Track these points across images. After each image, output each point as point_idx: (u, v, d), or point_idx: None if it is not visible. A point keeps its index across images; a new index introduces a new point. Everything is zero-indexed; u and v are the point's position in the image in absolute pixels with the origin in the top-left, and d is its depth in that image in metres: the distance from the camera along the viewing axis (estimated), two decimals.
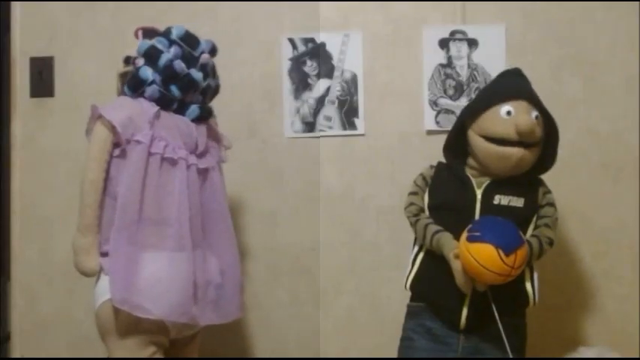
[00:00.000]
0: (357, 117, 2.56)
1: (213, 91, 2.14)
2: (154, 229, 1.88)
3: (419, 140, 2.50)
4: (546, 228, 1.92)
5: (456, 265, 1.80)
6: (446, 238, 1.87)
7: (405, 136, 2.54)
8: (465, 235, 1.79)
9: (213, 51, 2.11)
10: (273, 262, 2.58)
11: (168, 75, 1.95)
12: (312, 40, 2.57)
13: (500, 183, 1.91)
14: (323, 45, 2.57)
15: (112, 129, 1.88)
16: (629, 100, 2.49)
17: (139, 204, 1.87)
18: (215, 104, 2.58)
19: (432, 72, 2.53)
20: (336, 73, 2.57)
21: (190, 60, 2.01)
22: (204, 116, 2.07)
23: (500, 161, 1.88)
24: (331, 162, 2.57)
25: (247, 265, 2.58)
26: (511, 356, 1.83)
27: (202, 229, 1.99)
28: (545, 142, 1.95)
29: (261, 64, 2.59)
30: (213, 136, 2.15)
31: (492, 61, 2.50)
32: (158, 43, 1.99)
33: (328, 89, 2.57)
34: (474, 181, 1.93)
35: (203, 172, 2.03)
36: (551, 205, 1.98)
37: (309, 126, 2.57)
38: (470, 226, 1.80)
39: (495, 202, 1.88)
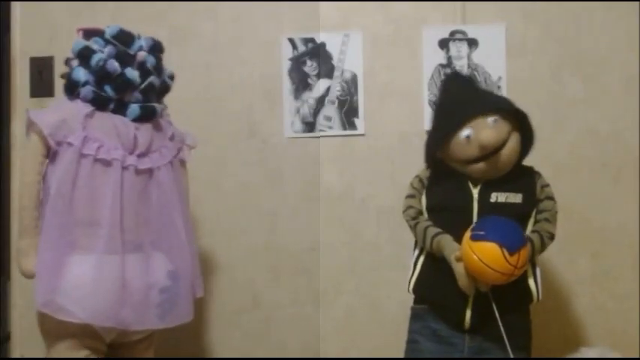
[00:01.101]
0: (357, 117, 2.56)
1: (159, 89, 2.07)
2: (85, 231, 1.86)
3: (419, 140, 2.48)
4: (546, 222, 1.92)
5: (459, 268, 1.80)
6: (446, 240, 1.86)
7: (405, 136, 2.54)
8: (468, 234, 1.78)
9: (155, 48, 2.05)
10: (273, 262, 2.58)
11: (102, 75, 1.93)
12: (312, 40, 2.57)
13: (496, 180, 1.90)
14: (323, 45, 2.57)
15: (40, 133, 1.88)
16: (629, 100, 2.49)
17: (69, 206, 1.86)
18: (215, 104, 2.60)
19: (432, 72, 2.53)
20: (336, 73, 2.57)
21: (126, 59, 1.97)
22: (147, 116, 2.01)
23: (483, 173, 1.89)
24: (331, 162, 2.57)
25: (247, 265, 2.58)
26: (511, 354, 1.83)
27: (147, 231, 1.95)
28: (519, 130, 1.92)
29: (261, 64, 2.59)
30: (165, 134, 2.08)
31: (492, 61, 2.51)
32: (94, 43, 1.97)
33: (328, 89, 2.57)
34: (469, 180, 1.92)
35: (146, 173, 1.98)
36: (551, 198, 1.97)
37: (309, 126, 2.57)
38: (473, 225, 1.80)
39: (492, 199, 1.88)
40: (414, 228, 1.96)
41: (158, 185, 2.00)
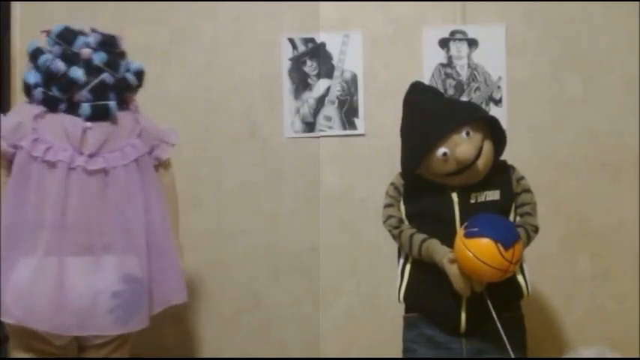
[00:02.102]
0: (357, 117, 2.56)
1: (116, 86, 1.98)
2: (32, 233, 1.85)
3: None
4: (529, 216, 1.92)
5: (453, 270, 1.79)
6: (435, 244, 1.85)
7: None
8: (461, 232, 1.78)
9: (106, 43, 1.99)
10: (273, 262, 2.58)
11: (48, 76, 1.91)
12: (312, 40, 2.57)
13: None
14: (323, 45, 2.57)
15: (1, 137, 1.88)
16: (629, 100, 2.49)
17: (21, 209, 1.85)
18: (215, 104, 2.60)
19: (432, 72, 2.53)
20: (336, 73, 2.57)
21: (72, 57, 1.93)
22: (99, 115, 1.94)
23: (460, 183, 1.89)
24: (331, 162, 2.57)
25: (247, 265, 2.58)
26: (511, 352, 1.82)
27: (101, 233, 1.89)
28: (489, 130, 1.90)
29: (261, 64, 2.59)
30: (130, 132, 2.01)
31: (492, 61, 2.51)
32: (47, 44, 1.96)
33: (328, 89, 2.57)
34: (447, 184, 1.91)
35: (100, 173, 1.92)
36: (528, 191, 1.95)
37: (309, 126, 2.57)
38: (466, 223, 1.80)
39: (472, 200, 1.88)
40: (398, 237, 1.94)
41: (115, 185, 1.93)
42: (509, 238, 1.73)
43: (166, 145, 2.08)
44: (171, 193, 2.10)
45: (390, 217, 1.97)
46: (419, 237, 1.88)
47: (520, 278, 1.91)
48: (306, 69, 2.58)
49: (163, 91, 2.60)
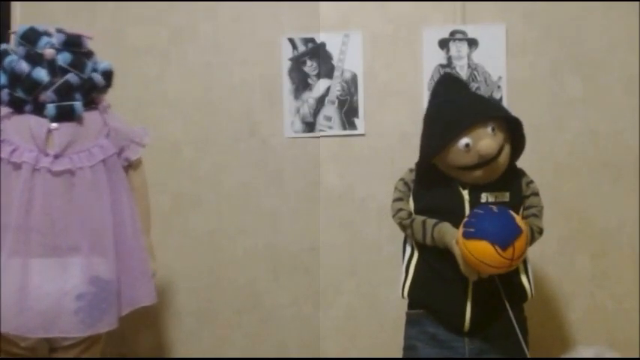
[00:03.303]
0: (357, 117, 2.56)
1: (82, 86, 1.97)
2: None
3: (419, 140, 2.49)
4: (535, 218, 1.92)
5: (458, 251, 1.78)
6: (447, 227, 1.84)
7: (405, 136, 2.53)
8: (461, 230, 1.78)
9: (69, 44, 1.97)
10: (273, 262, 2.58)
11: (13, 77, 1.91)
12: (312, 40, 2.57)
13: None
14: (323, 45, 2.57)
15: None
16: (629, 100, 2.49)
17: None
18: (215, 104, 2.60)
19: (432, 72, 2.53)
20: (336, 73, 2.57)
21: (36, 58, 1.93)
22: (64, 115, 1.93)
23: (474, 180, 1.88)
24: (331, 162, 2.57)
25: (247, 265, 2.58)
26: (523, 343, 1.83)
27: (67, 234, 1.88)
28: (513, 132, 1.91)
29: (261, 64, 2.59)
30: (98, 132, 2.00)
31: (492, 61, 2.51)
32: (14, 45, 1.95)
33: (328, 89, 2.57)
34: (457, 182, 1.91)
35: (66, 174, 1.92)
36: (536, 194, 1.97)
37: (309, 126, 2.57)
38: (465, 220, 1.79)
39: (483, 200, 1.87)
40: (410, 225, 1.92)
41: (82, 187, 1.92)
42: (506, 237, 1.72)
43: (136, 145, 2.07)
44: (142, 194, 2.09)
45: (400, 210, 1.97)
46: (431, 221, 1.88)
47: (525, 280, 1.91)
48: (306, 69, 2.58)
49: (163, 91, 2.61)
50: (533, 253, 1.88)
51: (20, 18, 2.63)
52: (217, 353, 2.57)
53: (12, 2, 2.65)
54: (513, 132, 1.91)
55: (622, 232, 2.48)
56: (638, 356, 2.38)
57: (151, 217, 2.13)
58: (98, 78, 2.01)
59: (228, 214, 2.59)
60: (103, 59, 2.52)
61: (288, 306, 2.57)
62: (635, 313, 2.47)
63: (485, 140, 1.82)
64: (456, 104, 1.90)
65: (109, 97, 2.57)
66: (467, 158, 1.84)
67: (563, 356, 1.91)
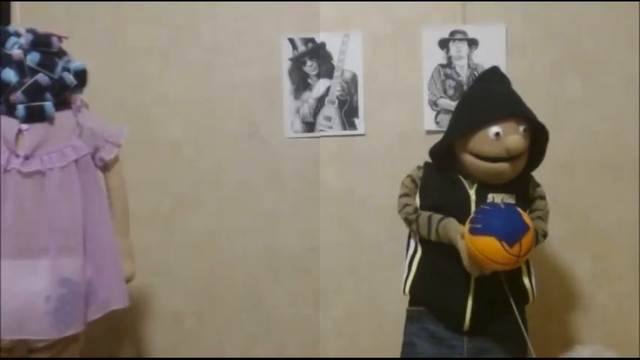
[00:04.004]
0: (357, 117, 2.56)
1: (53, 86, 1.96)
2: None
3: (419, 140, 2.50)
4: (540, 221, 1.93)
5: (463, 245, 1.78)
6: (452, 222, 1.85)
7: (405, 136, 2.53)
8: (467, 226, 1.78)
9: (38, 43, 1.95)
10: (272, 262, 2.58)
11: None
12: (312, 40, 2.57)
13: None
14: (323, 45, 2.57)
15: None
16: (629, 100, 2.49)
17: None
18: (215, 104, 2.59)
19: (431, 72, 2.52)
20: (336, 73, 2.57)
21: (4, 59, 1.91)
22: (34, 116, 1.92)
23: (492, 176, 1.88)
24: (331, 162, 2.57)
25: (247, 265, 2.58)
26: (528, 340, 1.82)
27: (37, 236, 1.88)
28: (532, 144, 1.93)
29: (261, 64, 2.59)
30: (71, 133, 1.98)
31: (492, 61, 2.48)
32: None
33: (328, 89, 2.57)
34: (465, 181, 1.92)
35: (36, 175, 1.90)
36: (543, 198, 1.98)
37: (309, 126, 2.57)
38: (472, 216, 1.79)
39: (489, 200, 1.88)
40: (416, 220, 1.92)
41: (52, 188, 1.91)
42: (513, 233, 1.72)
43: (111, 145, 2.05)
44: (119, 194, 2.07)
45: (406, 205, 1.97)
46: (437, 217, 1.88)
47: (527, 283, 1.91)
48: (306, 69, 2.58)
49: (163, 91, 2.60)
50: (533, 252, 1.88)
51: (20, 18, 2.63)
52: (217, 353, 2.57)
53: (12, 2, 2.64)
54: (534, 144, 1.92)
55: (622, 232, 2.48)
56: (638, 356, 2.38)
57: (129, 218, 2.10)
58: (69, 78, 1.99)
59: (228, 214, 2.59)
60: (102, 59, 2.53)
61: (288, 306, 2.57)
62: (635, 313, 2.47)
63: (515, 136, 1.83)
64: (497, 93, 1.93)
65: (108, 98, 2.60)
66: (493, 147, 1.84)
67: (561, 356, 1.91)
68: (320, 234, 2.56)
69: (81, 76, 2.03)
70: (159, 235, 2.60)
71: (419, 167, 2.02)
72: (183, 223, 2.60)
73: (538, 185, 2.00)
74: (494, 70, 2.04)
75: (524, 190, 1.95)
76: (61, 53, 2.01)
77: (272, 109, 2.58)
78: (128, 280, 2.07)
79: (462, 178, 1.92)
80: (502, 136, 1.83)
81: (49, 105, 1.94)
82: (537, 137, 1.94)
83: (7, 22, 2.65)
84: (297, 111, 2.58)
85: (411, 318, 1.99)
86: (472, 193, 1.89)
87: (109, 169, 2.05)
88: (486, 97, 1.94)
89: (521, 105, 1.93)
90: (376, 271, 2.53)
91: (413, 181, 2.00)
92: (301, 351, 2.56)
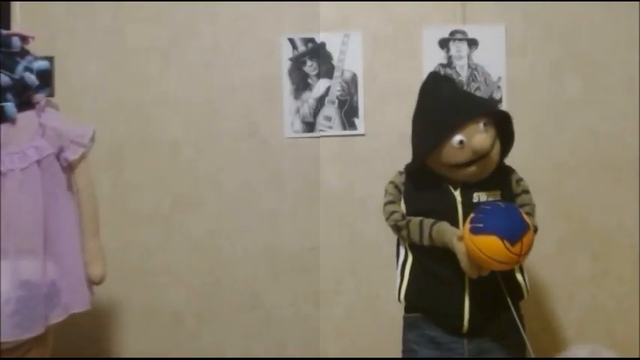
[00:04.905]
0: (357, 117, 2.56)
1: (12, 87, 1.94)
2: None
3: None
4: (529, 216, 1.92)
5: (460, 247, 1.77)
6: (446, 225, 1.84)
7: (405, 136, 2.50)
8: (467, 226, 1.77)
9: None
10: (273, 262, 2.58)
11: None
12: (312, 40, 2.57)
13: (475, 181, 1.90)
14: (323, 45, 2.57)
15: None
16: (629, 100, 2.49)
17: None
18: (215, 104, 2.59)
19: None
20: (336, 73, 2.57)
21: None
22: None
23: (471, 178, 1.88)
24: (331, 162, 2.57)
25: (247, 265, 2.58)
26: (527, 339, 1.82)
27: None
28: (500, 131, 1.91)
29: (261, 64, 2.59)
30: (33, 133, 1.96)
31: (492, 61, 2.51)
32: None
33: (328, 89, 2.57)
34: (448, 183, 1.91)
35: None
36: (527, 192, 1.96)
37: (309, 126, 2.57)
38: (472, 216, 1.78)
39: (475, 200, 1.87)
40: (406, 227, 1.91)
41: (12, 189, 1.90)
42: (515, 232, 1.71)
43: (76, 145, 2.01)
44: (87, 195, 2.04)
45: (393, 212, 1.96)
46: (429, 221, 1.87)
47: (520, 278, 1.91)
48: (306, 69, 2.58)
49: (163, 91, 2.60)
50: (533, 252, 1.87)
51: (20, 18, 2.63)
52: (217, 353, 2.57)
53: (12, 2, 2.64)
54: (501, 127, 1.91)
55: (622, 232, 2.48)
56: (638, 356, 2.38)
57: (98, 219, 2.07)
58: (31, 78, 1.96)
59: (228, 214, 2.59)
60: (102, 59, 2.53)
61: (288, 306, 2.57)
62: (635, 313, 2.47)
63: (478, 136, 1.82)
64: (446, 102, 1.90)
65: (108, 98, 2.60)
66: (461, 155, 1.84)
67: (559, 356, 1.91)
68: (320, 234, 2.56)
69: (44, 76, 2.00)
70: (159, 235, 2.60)
71: (400, 173, 2.00)
72: (183, 223, 2.60)
73: (521, 179, 1.98)
74: (436, 77, 2.00)
75: (508, 185, 1.94)
76: (24, 53, 2.00)
77: (272, 109, 2.58)
78: (98, 282, 2.04)
79: (447, 180, 1.91)
80: (466, 142, 1.83)
81: (10, 106, 1.92)
82: (501, 122, 1.91)
83: (7, 22, 2.65)
84: (297, 111, 2.58)
85: (408, 325, 1.97)
86: (457, 194, 1.89)
87: (74, 169, 2.02)
88: (437, 108, 1.91)
89: (472, 103, 1.92)
90: (376, 271, 2.53)
91: (396, 187, 1.98)
92: (301, 351, 2.56)
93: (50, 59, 2.59)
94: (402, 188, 1.97)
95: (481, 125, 1.84)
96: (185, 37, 2.61)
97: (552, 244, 2.46)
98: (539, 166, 2.46)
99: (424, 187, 1.93)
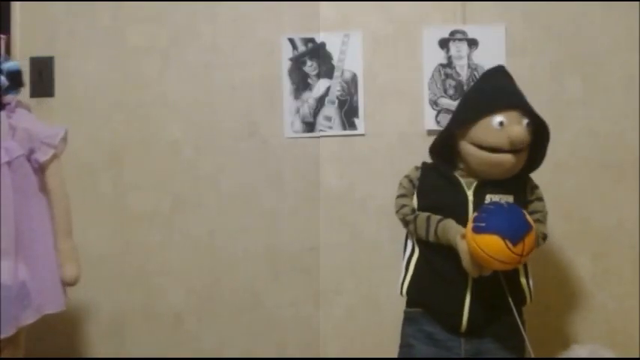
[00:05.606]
0: (357, 117, 2.56)
1: None
2: None
3: (419, 140, 2.50)
4: (539, 223, 1.92)
5: (463, 246, 1.78)
6: (451, 223, 1.85)
7: (405, 136, 2.53)
8: (470, 225, 1.77)
9: None
10: (273, 262, 2.58)
11: None
12: (312, 40, 2.57)
13: (489, 182, 1.90)
14: (323, 45, 2.57)
15: None
16: (629, 100, 2.49)
17: None
18: (215, 104, 2.60)
19: (432, 72, 2.52)
20: (336, 73, 2.57)
21: None
22: None
23: (493, 168, 1.88)
24: (331, 162, 2.57)
25: (247, 265, 2.58)
26: (528, 344, 1.82)
27: None
28: (533, 144, 1.93)
29: (261, 64, 2.59)
30: (3, 135, 1.95)
31: (492, 61, 2.48)
32: None
33: (328, 89, 2.57)
34: (463, 181, 1.92)
35: None
36: (541, 199, 1.97)
37: (309, 126, 2.57)
38: (475, 215, 1.79)
39: (487, 201, 1.88)
40: (414, 221, 1.92)
41: None
42: (517, 232, 1.72)
43: (46, 146, 2.00)
44: (59, 196, 2.03)
45: (403, 205, 1.97)
46: (436, 217, 1.88)
47: (524, 283, 1.91)
48: (306, 69, 2.58)
49: (163, 91, 2.60)
50: (533, 252, 1.88)
51: (20, 18, 2.64)
52: (217, 353, 2.57)
53: (12, 2, 2.64)
54: (534, 145, 1.92)
55: (622, 232, 2.48)
56: (638, 356, 2.38)
57: (71, 220, 2.05)
58: (0, 79, 1.96)
59: (228, 215, 2.59)
60: (102, 59, 2.54)
61: (288, 306, 2.57)
62: (635, 313, 2.47)
63: (519, 127, 1.84)
64: (501, 86, 1.93)
65: (108, 98, 2.60)
66: (495, 137, 1.84)
67: (558, 356, 1.91)
68: (320, 234, 2.56)
69: (14, 76, 1.99)
70: (159, 235, 2.60)
71: (417, 168, 2.02)
72: (183, 223, 2.60)
73: (536, 187, 1.99)
74: (499, 69, 2.04)
75: (522, 191, 1.95)
76: None
77: (272, 109, 2.58)
78: (71, 284, 2.03)
79: (461, 179, 1.92)
80: (506, 126, 1.83)
81: None
82: (538, 138, 1.94)
83: (7, 22, 2.65)
84: (297, 111, 2.58)
85: (408, 320, 1.99)
86: (470, 194, 1.89)
87: (45, 170, 2.01)
88: (491, 90, 1.94)
89: (525, 100, 1.94)
90: (376, 271, 2.53)
91: (411, 181, 2.00)
92: (301, 351, 2.56)
93: (50, 59, 2.62)
94: (417, 183, 1.98)
95: (524, 121, 1.85)
96: (185, 37, 2.61)
97: (552, 244, 2.46)
98: (539, 167, 2.46)
99: (438, 183, 1.94)
